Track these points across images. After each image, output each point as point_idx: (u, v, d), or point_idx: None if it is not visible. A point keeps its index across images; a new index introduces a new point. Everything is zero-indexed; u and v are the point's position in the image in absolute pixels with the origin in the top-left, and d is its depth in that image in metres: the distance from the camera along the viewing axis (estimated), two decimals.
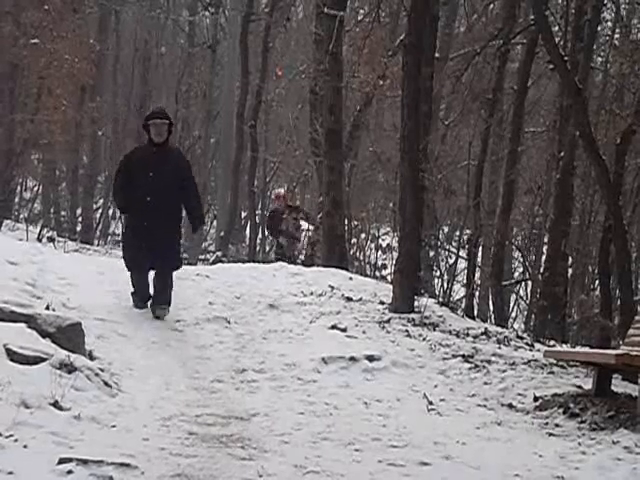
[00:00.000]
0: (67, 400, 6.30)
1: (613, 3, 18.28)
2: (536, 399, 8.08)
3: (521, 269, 20.16)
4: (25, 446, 5.48)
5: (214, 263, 17.28)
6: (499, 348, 9.68)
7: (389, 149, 19.09)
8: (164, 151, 9.70)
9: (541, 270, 16.18)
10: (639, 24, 15.01)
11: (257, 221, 23.37)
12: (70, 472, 5.13)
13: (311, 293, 10.99)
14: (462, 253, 15.18)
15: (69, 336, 7.51)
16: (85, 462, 5.21)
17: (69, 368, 6.85)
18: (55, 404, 6.19)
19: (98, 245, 24.42)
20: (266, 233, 21.70)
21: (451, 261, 16.97)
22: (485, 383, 8.54)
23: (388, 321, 10.17)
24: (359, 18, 20.15)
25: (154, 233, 9.44)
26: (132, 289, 9.72)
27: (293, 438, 6.53)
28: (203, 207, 10.26)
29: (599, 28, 17.04)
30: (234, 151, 23.95)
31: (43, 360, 6.82)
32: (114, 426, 6.25)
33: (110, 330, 8.77)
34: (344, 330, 9.74)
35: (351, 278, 12.13)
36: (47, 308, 8.34)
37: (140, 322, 9.34)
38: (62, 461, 5.21)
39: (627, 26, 19.57)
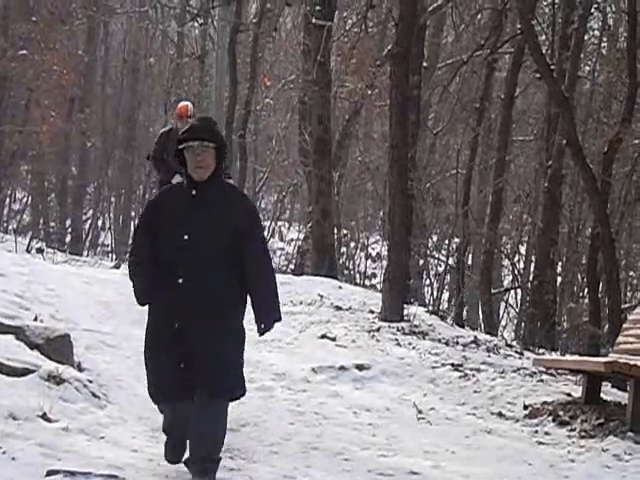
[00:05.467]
0: (55, 412, 6.27)
1: (600, 12, 18.38)
2: (525, 407, 8.09)
3: (510, 277, 20.19)
4: (13, 458, 5.46)
5: None
6: (489, 356, 9.69)
7: (378, 158, 19.15)
8: (209, 195, 5.51)
9: (530, 278, 16.21)
10: (626, 32, 15.03)
11: None
12: None
13: (300, 302, 10.99)
14: (451, 261, 15.21)
15: (57, 347, 7.47)
16: (73, 474, 5.19)
17: (57, 380, 6.82)
18: (43, 416, 6.16)
19: (87, 256, 24.35)
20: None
21: (440, 269, 17.00)
22: (475, 391, 8.55)
23: (378, 330, 10.17)
24: (347, 28, 20.19)
25: (192, 338, 5.46)
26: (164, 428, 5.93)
27: (282, 448, 6.52)
28: (276, 289, 5.63)
29: (586, 37, 17.13)
30: None
31: (31, 372, 6.79)
32: (103, 437, 6.23)
33: (99, 341, 8.74)
34: (334, 339, 9.74)
35: (341, 287, 12.14)
36: (35, 319, 8.30)
37: (129, 333, 9.32)
38: (50, 473, 5.19)
39: (614, 35, 19.65)
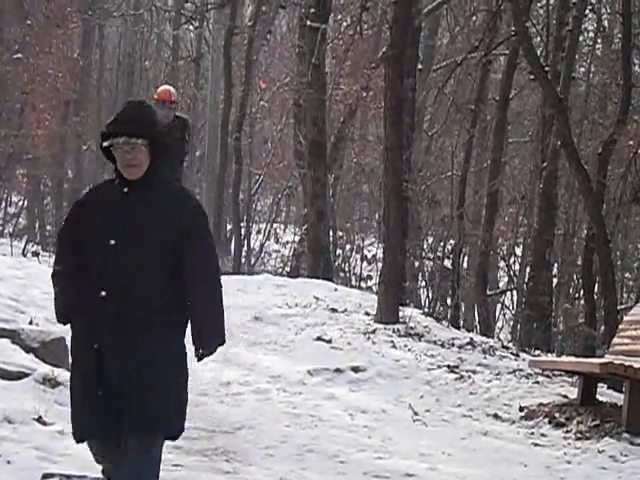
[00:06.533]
0: (51, 415, 6.26)
1: (594, 13, 18.40)
2: (521, 409, 8.09)
3: (506, 279, 20.21)
4: (9, 462, 5.46)
5: None
6: (484, 358, 9.69)
7: (373, 160, 19.15)
8: (144, 194, 4.59)
9: (526, 280, 16.22)
10: (620, 34, 15.07)
11: (242, 233, 23.35)
12: None
13: (296, 305, 10.99)
14: (447, 263, 15.22)
15: (53, 351, 7.47)
16: (69, 477, 5.19)
17: (53, 383, 6.82)
18: (39, 419, 6.16)
19: None
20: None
21: (434, 271, 16.99)
22: (470, 393, 8.55)
23: (373, 332, 10.17)
24: (342, 30, 20.21)
25: (113, 362, 4.45)
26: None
27: (278, 451, 6.52)
28: (221, 305, 4.66)
29: (580, 38, 17.15)
30: (218, 164, 23.96)
31: (27, 375, 6.79)
32: None
33: None
34: (329, 341, 9.74)
35: (336, 289, 12.14)
36: (31, 323, 8.30)
37: None
38: (46, 476, 5.19)
39: (609, 36, 19.69)
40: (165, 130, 10.15)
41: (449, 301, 15.08)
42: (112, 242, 4.46)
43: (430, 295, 15.61)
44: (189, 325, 4.59)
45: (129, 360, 4.40)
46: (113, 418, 4.40)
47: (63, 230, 4.77)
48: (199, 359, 4.61)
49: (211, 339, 4.59)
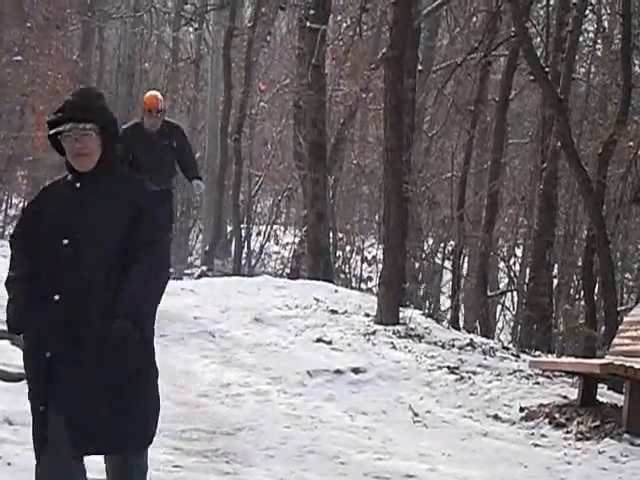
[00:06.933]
0: None
1: (594, 14, 18.42)
2: (522, 410, 8.09)
3: (506, 280, 20.21)
4: (9, 463, 5.46)
5: (199, 277, 17.25)
6: (485, 359, 9.69)
7: (373, 161, 19.15)
8: (99, 187, 4.24)
9: (526, 280, 16.23)
10: (620, 35, 15.07)
11: (242, 235, 23.35)
12: None
13: (296, 306, 10.98)
14: (447, 264, 15.21)
15: None
16: None
17: None
18: None
19: None
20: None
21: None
22: (471, 394, 8.54)
23: (373, 333, 10.16)
24: (341, 31, 20.20)
25: (64, 371, 4.07)
26: None
27: (278, 452, 6.52)
28: (152, 298, 4.16)
29: (580, 39, 17.17)
30: (218, 165, 23.96)
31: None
32: None
33: None
34: (329, 343, 9.73)
35: (336, 290, 12.13)
36: None
37: None
38: None
39: (608, 37, 19.70)
40: (153, 132, 9.83)
41: (449, 302, 15.08)
42: (65, 242, 4.12)
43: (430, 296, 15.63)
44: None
45: (84, 369, 4.01)
46: (60, 435, 4.00)
47: (16, 233, 4.40)
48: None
49: (128, 309, 4.00)
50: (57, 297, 4.08)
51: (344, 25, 19.95)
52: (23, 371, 6.60)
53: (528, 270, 16.41)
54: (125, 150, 10.44)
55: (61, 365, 4.03)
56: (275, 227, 24.90)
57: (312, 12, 14.69)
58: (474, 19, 19.41)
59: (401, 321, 10.65)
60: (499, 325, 19.24)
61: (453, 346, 10.07)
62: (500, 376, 9.00)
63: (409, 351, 9.66)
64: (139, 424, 4.15)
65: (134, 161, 9.53)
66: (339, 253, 17.96)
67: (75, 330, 4.04)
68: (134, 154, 9.47)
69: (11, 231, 4.74)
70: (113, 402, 4.03)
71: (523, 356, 10.32)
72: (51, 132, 4.19)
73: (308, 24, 14.69)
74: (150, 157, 9.68)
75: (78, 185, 4.21)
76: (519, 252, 19.99)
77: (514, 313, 18.81)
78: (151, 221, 4.15)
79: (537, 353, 11.45)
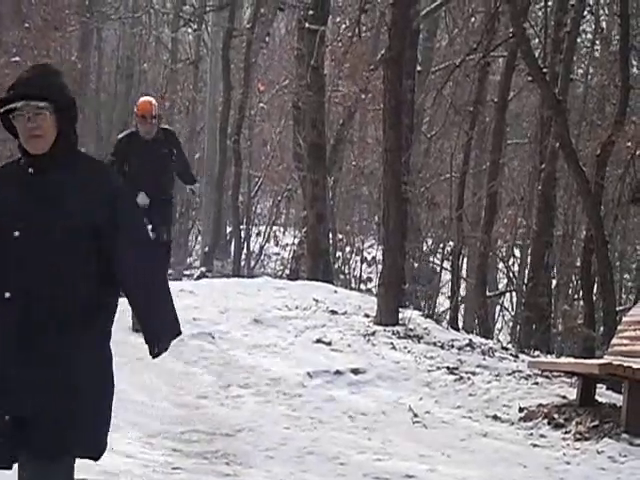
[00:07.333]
0: None
1: (592, 15, 18.44)
2: (521, 410, 8.10)
3: (505, 280, 20.22)
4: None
5: (198, 279, 17.26)
6: (484, 359, 9.70)
7: (372, 162, 19.16)
8: (54, 173, 3.82)
9: (525, 281, 16.24)
10: (618, 35, 15.08)
11: (242, 236, 23.37)
12: None
13: (296, 307, 11.00)
14: (446, 265, 15.23)
15: None
16: None
17: None
18: None
19: None
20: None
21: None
22: (470, 395, 8.55)
23: (373, 334, 10.18)
24: (340, 32, 20.22)
25: (18, 376, 3.74)
26: None
27: (278, 453, 6.53)
28: (168, 293, 3.89)
29: (579, 40, 17.19)
30: (218, 167, 23.98)
31: None
32: None
33: None
34: (329, 344, 9.75)
35: (336, 291, 12.14)
36: None
37: (124, 339, 9.31)
38: None
39: (607, 38, 19.71)
40: (149, 140, 9.62)
41: (448, 302, 15.10)
42: (16, 234, 3.72)
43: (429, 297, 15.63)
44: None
45: (34, 369, 3.70)
46: (8, 436, 3.73)
47: None
48: (154, 356, 3.90)
49: (164, 331, 3.86)
50: (8, 295, 3.72)
51: (343, 26, 19.96)
52: None
53: (527, 270, 16.43)
54: (120, 161, 10.29)
55: (10, 366, 3.72)
56: (275, 228, 24.93)
57: (311, 13, 14.71)
58: (473, 20, 19.42)
59: (400, 322, 10.66)
60: (498, 325, 19.24)
61: (452, 346, 10.08)
62: (499, 376, 9.01)
63: (408, 352, 9.68)
64: (85, 433, 3.81)
65: (129, 171, 9.56)
66: (339, 254, 17.97)
67: (25, 329, 3.71)
68: (130, 164, 9.48)
69: None
70: (62, 405, 3.72)
71: (522, 356, 10.34)
72: (1, 110, 3.77)
73: (307, 25, 14.70)
74: (149, 166, 9.55)
75: (31, 171, 3.80)
76: (518, 252, 20.00)
77: (513, 313, 18.82)
78: (126, 228, 3.80)
79: (536, 353, 11.46)
